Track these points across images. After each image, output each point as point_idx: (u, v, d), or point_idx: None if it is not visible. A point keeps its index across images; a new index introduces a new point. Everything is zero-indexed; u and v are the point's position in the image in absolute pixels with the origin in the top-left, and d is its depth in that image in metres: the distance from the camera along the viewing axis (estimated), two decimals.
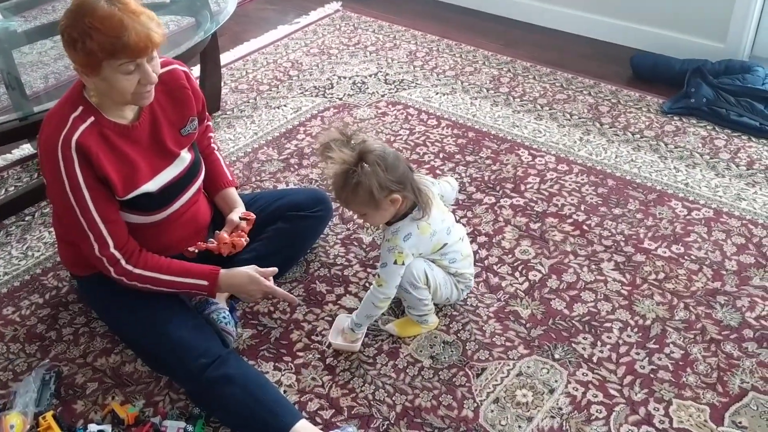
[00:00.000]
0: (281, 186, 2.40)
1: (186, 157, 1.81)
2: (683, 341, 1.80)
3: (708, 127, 2.62)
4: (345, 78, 3.02)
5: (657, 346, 1.79)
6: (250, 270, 1.77)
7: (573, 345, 1.81)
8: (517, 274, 2.03)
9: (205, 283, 1.73)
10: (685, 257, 2.05)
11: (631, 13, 3.15)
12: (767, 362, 1.73)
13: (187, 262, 1.76)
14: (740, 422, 1.60)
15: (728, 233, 2.13)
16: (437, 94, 2.90)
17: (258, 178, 2.45)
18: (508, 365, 1.76)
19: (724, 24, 2.92)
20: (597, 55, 3.15)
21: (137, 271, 1.68)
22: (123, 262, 1.67)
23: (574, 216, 2.23)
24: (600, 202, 2.28)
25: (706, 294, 1.93)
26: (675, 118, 2.68)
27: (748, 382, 1.69)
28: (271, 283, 1.79)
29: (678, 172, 2.40)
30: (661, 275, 2.00)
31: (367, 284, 2.01)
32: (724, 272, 1.99)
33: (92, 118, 1.63)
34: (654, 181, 2.36)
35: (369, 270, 2.06)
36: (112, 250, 1.65)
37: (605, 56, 3.12)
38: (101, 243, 1.64)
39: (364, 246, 2.14)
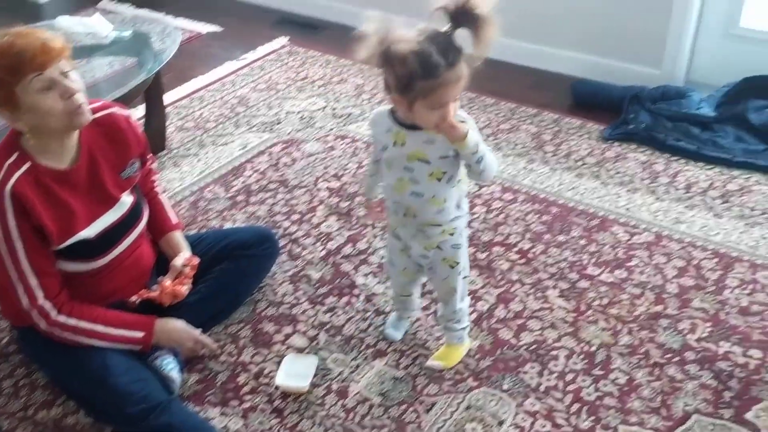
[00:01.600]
0: (228, 224, 2.38)
1: (127, 200, 1.79)
2: (628, 366, 1.83)
3: (647, 152, 2.69)
4: (293, 113, 3.03)
5: (602, 372, 1.82)
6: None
7: (521, 375, 1.82)
8: None
9: (140, 334, 1.72)
10: (628, 282, 2.09)
11: (572, 42, 3.23)
12: (709, 384, 1.77)
13: (122, 313, 1.73)
14: None
15: (669, 256, 2.18)
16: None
17: (204, 217, 2.43)
18: (458, 398, 1.77)
19: (659, 51, 3.02)
20: (539, 84, 3.22)
21: (70, 321, 1.65)
22: (54, 313, 1.64)
23: (520, 244, 2.26)
24: (544, 229, 2.32)
25: (649, 318, 1.97)
26: (615, 144, 2.75)
27: (691, 405, 1.72)
28: (199, 332, 1.83)
29: (619, 198, 2.46)
30: (605, 300, 2.03)
31: (315, 323, 2.00)
32: (666, 295, 2.04)
33: (28, 164, 1.60)
34: (596, 207, 2.41)
35: (318, 307, 2.05)
36: (41, 302, 1.62)
37: (547, 85, 3.19)
38: (30, 296, 1.61)
39: (313, 283, 2.14)
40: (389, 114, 1.58)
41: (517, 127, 2.91)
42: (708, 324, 1.94)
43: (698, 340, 1.89)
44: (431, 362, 1.85)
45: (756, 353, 1.84)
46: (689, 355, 1.85)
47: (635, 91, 2.88)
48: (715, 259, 2.15)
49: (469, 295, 2.06)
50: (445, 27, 1.44)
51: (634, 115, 2.78)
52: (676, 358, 1.84)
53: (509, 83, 3.24)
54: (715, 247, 2.20)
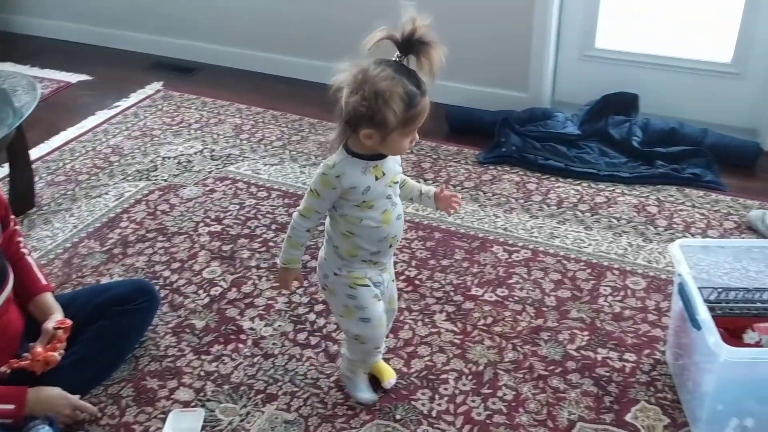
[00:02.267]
0: (105, 280, 2.29)
1: None
2: (514, 382, 1.88)
3: (520, 173, 2.80)
4: (169, 158, 2.96)
5: (490, 391, 1.85)
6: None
7: (413, 402, 1.83)
8: None
9: (11, 407, 1.62)
10: (509, 299, 2.16)
11: (444, 72, 3.33)
12: (590, 391, 1.84)
13: None
14: None
15: (545, 271, 2.27)
16: (266, 165, 2.91)
17: (79, 274, 2.32)
18: None
19: (524, 75, 3.16)
20: None
21: None
22: None
23: (407, 272, 2.29)
24: (429, 255, 2.36)
25: (531, 332, 2.03)
26: (490, 167, 2.84)
27: (575, 413, 1.78)
28: (77, 398, 1.75)
29: (497, 218, 2.54)
30: (489, 319, 2.08)
31: (201, 374, 1.94)
32: (545, 309, 2.11)
33: None
34: (476, 229, 2.48)
35: (203, 357, 1.99)
36: None
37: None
38: None
39: (197, 332, 2.08)
40: (350, 155, 1.54)
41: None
42: (585, 333, 2.02)
43: (577, 349, 1.97)
44: (389, 382, 1.86)
45: (631, 357, 1.93)
46: (570, 365, 1.92)
47: (505, 115, 3.00)
48: (588, 270, 2.25)
49: None
50: (393, 56, 1.47)
51: (505, 139, 2.89)
52: (559, 369, 1.90)
53: None
54: (587, 258, 2.31)
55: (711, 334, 1.51)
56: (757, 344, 1.71)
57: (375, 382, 1.87)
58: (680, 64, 2.97)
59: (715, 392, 1.63)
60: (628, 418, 1.75)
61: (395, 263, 2.31)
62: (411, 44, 1.44)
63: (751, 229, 2.40)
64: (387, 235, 1.63)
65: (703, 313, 1.57)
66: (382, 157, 1.56)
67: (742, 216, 2.46)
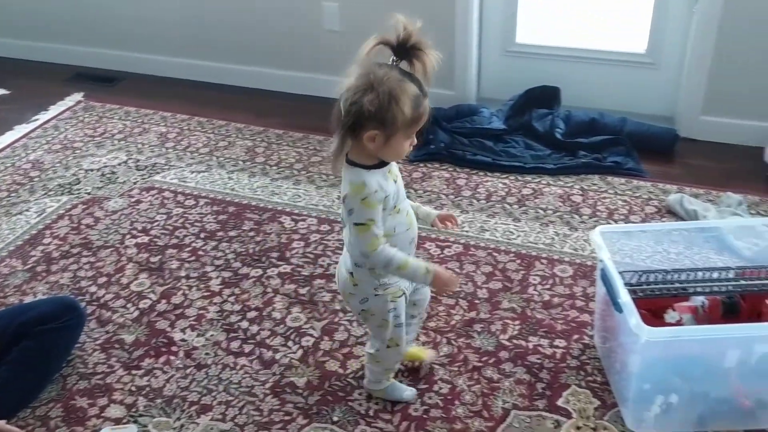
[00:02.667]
0: (29, 299, 2.21)
1: None
2: (449, 375, 1.89)
3: (450, 169, 2.83)
4: (92, 170, 2.88)
5: (427, 386, 1.87)
6: None
7: (350, 403, 1.83)
8: (290, 343, 2.03)
9: None
10: (443, 294, 2.18)
11: None
12: (523, 379, 1.87)
13: None
14: None
15: (477, 264, 2.30)
16: (193, 173, 2.86)
17: (1, 294, 2.23)
18: None
19: (450, 73, 3.20)
20: None
21: None
22: None
23: None
24: None
25: (464, 325, 2.06)
26: (420, 165, 2.86)
27: (509, 402, 1.81)
28: (3, 422, 1.70)
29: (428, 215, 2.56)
30: (424, 315, 2.10)
31: (132, 389, 1.89)
32: (477, 301, 2.14)
33: None
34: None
35: (134, 371, 1.95)
36: None
37: None
38: None
39: (127, 347, 2.03)
40: (364, 169, 1.49)
41: (328, 158, 2.95)
42: (517, 322, 2.05)
43: (510, 338, 2.00)
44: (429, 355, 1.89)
45: (561, 342, 1.98)
46: (503, 355, 1.95)
47: (432, 112, 3.01)
48: (518, 261, 2.29)
49: (294, 332, 2.06)
50: (389, 60, 1.46)
51: (433, 136, 2.92)
52: (492, 360, 1.93)
53: (316, 116, 3.28)
54: (516, 249, 2.35)
55: (632, 317, 1.56)
56: (678, 323, 1.77)
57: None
58: (598, 56, 3.06)
59: (640, 372, 1.68)
60: (560, 402, 1.79)
61: (327, 267, 2.31)
62: (406, 49, 1.45)
63: (671, 213, 2.48)
64: (414, 236, 1.65)
65: (624, 297, 1.62)
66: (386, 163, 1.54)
67: (662, 200, 2.55)
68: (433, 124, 2.97)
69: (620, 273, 1.74)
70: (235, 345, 2.03)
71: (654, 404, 1.71)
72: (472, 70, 3.18)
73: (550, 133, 2.89)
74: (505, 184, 2.72)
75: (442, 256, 2.34)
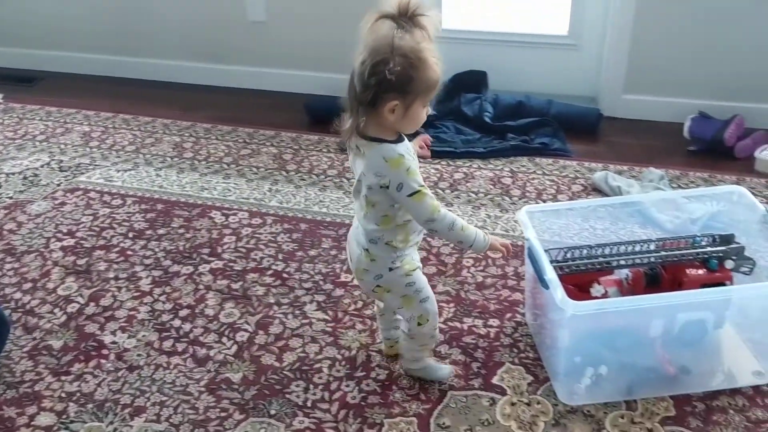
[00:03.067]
0: None
1: None
2: (386, 361, 1.90)
3: None
4: (13, 174, 2.78)
5: (364, 373, 1.87)
6: None
7: (287, 396, 1.82)
8: (224, 339, 2.00)
9: None
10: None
11: (300, 62, 3.32)
12: (459, 360, 1.89)
13: None
14: (444, 423, 1.72)
15: None
16: (119, 171, 2.79)
17: None
18: None
19: None
20: (274, 105, 3.27)
21: None
22: None
23: (274, 267, 2.26)
24: (296, 247, 2.35)
25: None
26: None
27: (446, 383, 1.82)
28: None
29: None
30: (360, 304, 2.10)
31: (62, 395, 1.84)
32: None
33: None
34: (343, 216, 2.49)
35: (64, 377, 1.89)
36: None
37: (282, 106, 3.25)
38: None
39: (56, 352, 1.97)
40: (385, 142, 1.48)
41: (257, 150, 2.92)
42: (452, 305, 2.08)
43: (445, 321, 2.02)
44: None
45: (494, 322, 2.01)
46: (439, 337, 1.96)
47: None
48: (451, 245, 2.31)
49: (227, 328, 2.04)
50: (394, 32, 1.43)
51: None
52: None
53: (244, 109, 3.25)
54: None
55: (557, 292, 1.60)
56: (604, 296, 1.81)
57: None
58: (522, 40, 3.11)
59: (569, 346, 1.72)
60: (494, 380, 1.82)
61: (260, 260, 2.29)
62: (407, 18, 1.43)
63: (597, 190, 2.55)
64: None
65: (550, 273, 1.65)
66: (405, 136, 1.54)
67: (588, 179, 2.61)
68: None
69: (546, 251, 1.77)
70: (167, 344, 1.99)
71: (584, 376, 1.76)
72: None
73: (479, 117, 2.93)
74: (437, 169, 2.74)
75: None
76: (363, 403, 1.79)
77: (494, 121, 2.92)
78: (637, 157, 2.73)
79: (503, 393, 1.79)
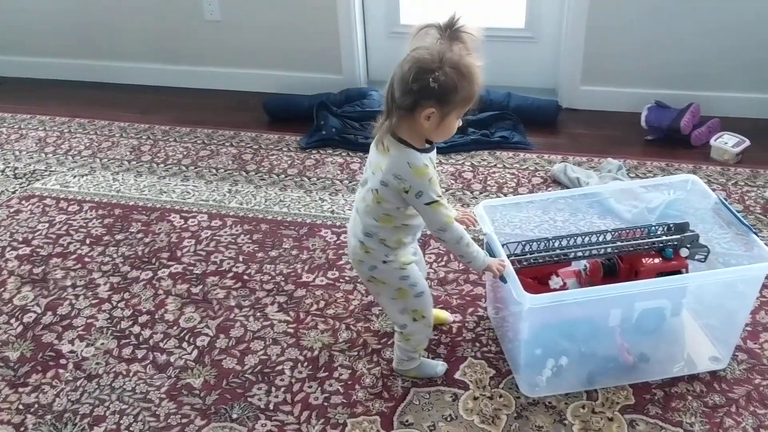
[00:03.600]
0: None
1: None
2: (349, 361, 1.89)
3: (343, 154, 2.82)
4: None
5: (327, 374, 1.86)
6: None
7: (249, 399, 1.80)
8: (185, 344, 1.97)
9: None
10: (340, 280, 2.17)
11: (258, 61, 3.29)
12: (421, 355, 1.89)
13: None
14: (407, 420, 1.72)
15: None
16: (75, 177, 2.74)
17: None
18: None
19: (337, 57, 3.18)
20: (233, 105, 3.23)
21: None
22: None
23: (234, 269, 2.24)
24: (256, 248, 2.33)
25: (363, 309, 2.06)
26: (313, 151, 2.85)
27: (409, 381, 1.82)
28: None
29: (323, 202, 2.55)
30: (322, 303, 2.09)
31: (20, 405, 1.80)
32: None
33: None
34: (304, 216, 2.48)
35: (21, 389, 1.85)
36: None
37: (241, 105, 3.22)
38: None
39: (12, 364, 1.92)
40: (413, 148, 1.50)
41: (216, 151, 2.89)
42: None
43: None
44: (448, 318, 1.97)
45: (457, 317, 2.01)
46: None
47: (321, 98, 3.01)
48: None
49: (188, 333, 2.01)
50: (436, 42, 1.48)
51: (324, 122, 2.90)
52: (391, 341, 1.93)
53: (203, 110, 3.21)
54: None
55: (515, 287, 1.60)
56: (563, 288, 1.82)
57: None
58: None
59: (530, 338, 1.73)
60: (457, 375, 1.82)
61: (220, 263, 2.27)
62: (452, 30, 1.48)
63: (556, 182, 2.56)
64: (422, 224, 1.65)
65: (507, 268, 1.66)
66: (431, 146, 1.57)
67: (548, 171, 2.63)
68: (323, 109, 2.95)
69: (504, 245, 1.78)
70: (127, 351, 1.96)
71: (546, 368, 1.77)
72: (359, 53, 3.18)
73: None
74: None
75: (338, 242, 2.33)
76: (326, 404, 1.78)
77: None
78: (595, 148, 2.75)
79: (466, 388, 1.79)
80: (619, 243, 1.83)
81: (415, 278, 1.67)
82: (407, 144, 1.51)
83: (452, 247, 1.60)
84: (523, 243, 1.84)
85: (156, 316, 2.07)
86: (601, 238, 1.86)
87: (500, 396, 1.76)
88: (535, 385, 1.77)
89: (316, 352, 1.93)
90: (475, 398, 1.76)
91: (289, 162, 2.80)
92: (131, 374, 1.89)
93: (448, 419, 1.71)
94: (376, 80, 3.26)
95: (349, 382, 1.83)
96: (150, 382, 1.86)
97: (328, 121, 2.90)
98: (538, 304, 1.59)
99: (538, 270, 1.83)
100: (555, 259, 1.83)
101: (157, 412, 1.78)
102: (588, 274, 1.86)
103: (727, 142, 2.65)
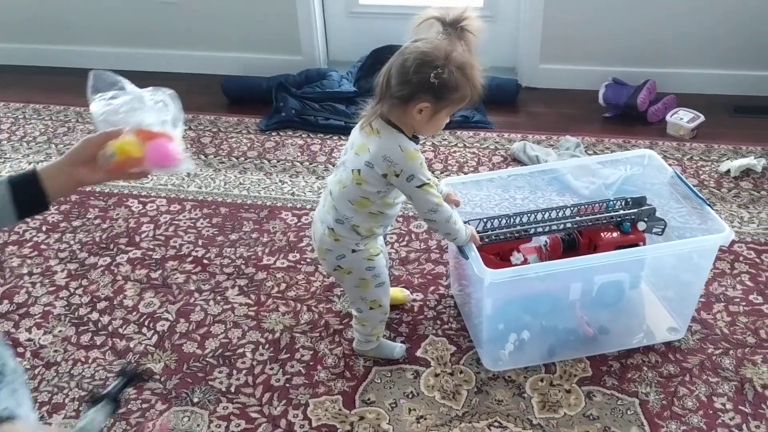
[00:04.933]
0: None
1: None
2: (311, 342, 1.89)
3: (303, 136, 2.80)
4: None
5: (288, 355, 1.86)
6: None
7: (210, 383, 1.79)
8: (144, 329, 1.95)
9: None
10: (302, 262, 2.16)
11: (216, 43, 3.24)
12: (383, 335, 1.89)
13: None
14: (369, 398, 1.72)
15: None
16: (31, 164, 2.68)
17: None
18: (148, 427, 1.69)
19: (295, 38, 3.15)
20: (191, 88, 3.17)
21: None
22: None
23: (194, 253, 2.22)
24: (216, 232, 2.31)
25: (324, 291, 2.05)
26: (273, 134, 2.82)
27: (370, 359, 1.83)
28: None
29: (284, 184, 2.53)
30: (283, 286, 2.08)
31: None
32: None
33: None
34: (264, 198, 2.46)
35: None
36: None
37: (199, 88, 3.17)
38: None
39: None
40: (396, 131, 1.50)
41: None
42: None
43: None
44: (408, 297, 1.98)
45: (418, 296, 2.02)
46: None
47: (280, 79, 2.98)
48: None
49: (147, 318, 1.99)
50: (438, 34, 1.48)
51: (283, 104, 2.88)
52: (353, 321, 1.95)
53: None
54: None
55: (476, 263, 1.61)
56: (524, 263, 1.84)
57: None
58: None
59: (492, 314, 1.75)
60: (419, 353, 1.84)
61: (179, 247, 2.24)
62: (457, 28, 1.48)
63: (516, 161, 2.58)
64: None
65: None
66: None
67: (508, 149, 2.64)
68: (282, 91, 2.93)
69: (466, 222, 1.78)
70: (85, 338, 1.93)
71: (508, 342, 1.79)
72: (318, 33, 3.15)
73: None
74: None
75: (299, 224, 2.32)
76: (288, 385, 1.78)
77: None
78: (554, 126, 2.77)
79: (427, 365, 1.80)
80: (578, 218, 1.85)
81: (379, 269, 1.68)
82: (398, 129, 1.50)
83: (441, 226, 1.60)
84: (485, 220, 1.85)
85: (115, 302, 2.05)
86: (560, 214, 1.87)
87: (461, 372, 1.78)
88: (497, 359, 1.80)
89: (277, 334, 1.92)
90: (437, 375, 1.77)
91: (249, 144, 2.77)
92: (90, 361, 1.87)
93: (410, 396, 1.72)
94: (336, 60, 3.23)
95: (311, 363, 1.83)
96: (109, 369, 1.84)
97: (287, 103, 2.88)
98: (499, 278, 1.60)
99: (499, 246, 1.85)
100: (516, 235, 1.84)
101: (116, 398, 1.76)
102: (548, 250, 1.88)
103: (683, 118, 2.69)
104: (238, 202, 2.44)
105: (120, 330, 1.95)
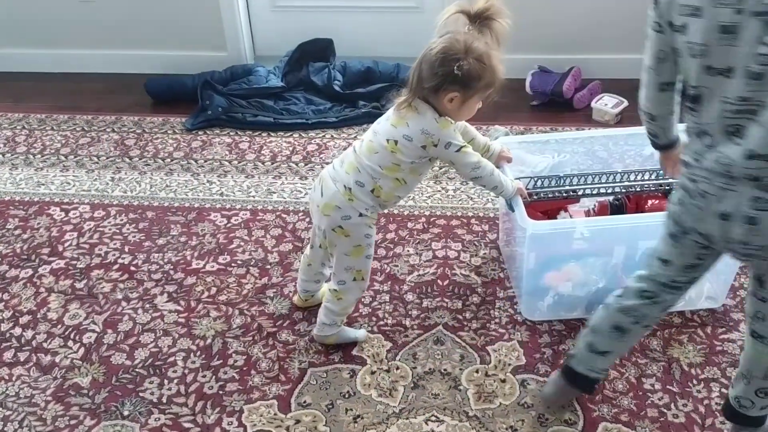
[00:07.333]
0: None
1: None
2: (244, 346, 1.86)
3: (231, 134, 2.75)
4: None
5: (221, 362, 1.82)
6: None
7: (140, 395, 1.74)
8: (70, 342, 1.89)
9: None
10: (232, 265, 2.12)
11: (137, 41, 3.15)
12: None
13: None
14: (305, 401, 1.70)
15: (266, 228, 2.26)
16: None
17: None
18: None
19: (220, 34, 3.08)
20: (113, 89, 3.08)
21: None
22: None
23: (120, 260, 2.15)
24: (143, 237, 2.24)
25: (257, 293, 2.02)
26: (200, 133, 2.76)
27: (306, 361, 1.81)
28: None
29: (212, 185, 2.48)
30: (213, 290, 2.04)
31: None
32: (269, 266, 2.11)
33: None
34: (192, 200, 2.40)
35: None
36: None
37: (122, 88, 3.07)
38: None
39: None
40: (433, 109, 1.59)
41: (97, 138, 2.75)
42: None
43: None
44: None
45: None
46: (297, 315, 1.94)
47: (206, 77, 2.91)
48: (307, 219, 2.28)
49: (73, 330, 1.93)
50: (465, 29, 1.56)
51: (209, 101, 2.81)
52: (287, 322, 1.92)
53: (81, 95, 3.05)
54: (305, 207, 2.33)
55: (521, 214, 1.69)
56: None
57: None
58: (366, 5, 3.08)
59: (534, 267, 1.81)
60: (354, 352, 1.82)
61: (104, 255, 2.17)
62: (482, 19, 1.57)
63: None
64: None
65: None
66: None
67: None
68: (208, 88, 2.86)
69: (517, 179, 1.81)
70: (8, 355, 1.85)
71: (547, 295, 1.85)
72: (243, 29, 3.09)
73: (329, 86, 2.89)
74: (289, 142, 2.69)
75: (228, 226, 2.28)
76: (221, 392, 1.74)
77: (344, 88, 2.89)
78: (483, 115, 2.73)
79: (363, 363, 1.80)
80: (627, 183, 1.91)
81: (373, 241, 1.73)
82: (434, 108, 1.60)
83: (487, 181, 1.69)
84: (535, 179, 1.92)
85: (38, 316, 1.97)
86: (610, 179, 1.93)
87: (397, 368, 1.78)
88: (535, 310, 1.87)
89: (209, 341, 1.88)
90: (373, 372, 1.77)
91: (175, 145, 2.70)
92: (14, 378, 1.79)
93: (346, 396, 1.71)
94: (263, 56, 3.17)
95: (245, 368, 1.80)
96: (34, 385, 1.77)
97: (213, 101, 2.81)
98: (540, 230, 1.68)
99: (548, 204, 1.92)
100: (564, 195, 1.91)
101: (43, 416, 1.70)
102: (596, 213, 1.92)
103: (607, 104, 2.74)
104: (165, 205, 2.38)
105: (44, 344, 1.88)
